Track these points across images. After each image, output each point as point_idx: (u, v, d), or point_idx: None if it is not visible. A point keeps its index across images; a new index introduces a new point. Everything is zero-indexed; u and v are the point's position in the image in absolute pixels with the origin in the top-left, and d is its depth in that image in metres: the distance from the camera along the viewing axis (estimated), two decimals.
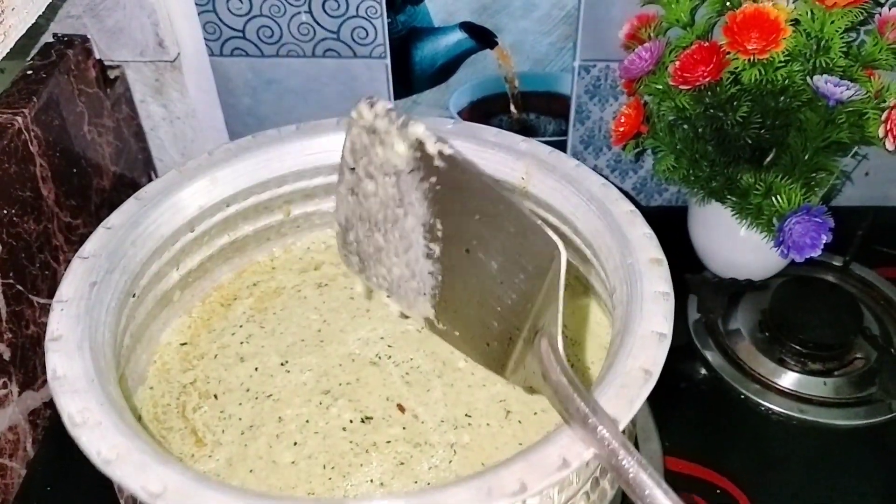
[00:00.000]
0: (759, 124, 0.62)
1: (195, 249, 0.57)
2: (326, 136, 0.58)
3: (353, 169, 0.48)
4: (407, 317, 0.51)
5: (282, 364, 0.55)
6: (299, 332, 0.57)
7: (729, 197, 0.64)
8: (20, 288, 0.60)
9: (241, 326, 0.58)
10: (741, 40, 0.59)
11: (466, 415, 0.52)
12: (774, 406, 0.64)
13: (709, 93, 0.61)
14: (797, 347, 0.67)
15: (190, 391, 0.54)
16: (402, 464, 0.49)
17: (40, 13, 0.59)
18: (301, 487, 0.48)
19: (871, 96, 0.59)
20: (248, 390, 0.53)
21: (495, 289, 0.43)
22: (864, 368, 0.66)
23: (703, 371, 0.68)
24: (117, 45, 0.73)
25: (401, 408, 0.52)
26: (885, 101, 0.59)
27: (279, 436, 0.50)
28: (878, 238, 0.76)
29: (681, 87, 0.61)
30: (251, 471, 0.49)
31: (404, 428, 0.51)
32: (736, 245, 0.69)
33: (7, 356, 0.58)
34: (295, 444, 0.50)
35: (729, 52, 0.60)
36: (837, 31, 0.59)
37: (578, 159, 0.57)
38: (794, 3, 0.60)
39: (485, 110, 0.78)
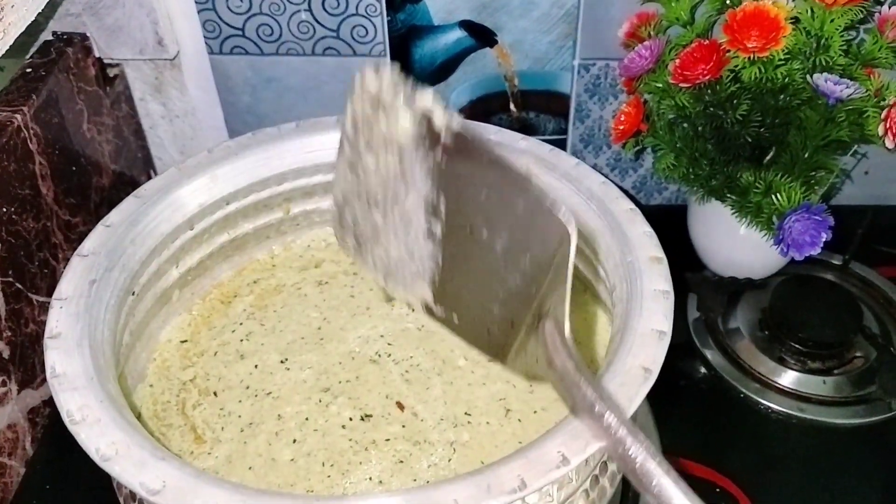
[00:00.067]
0: (758, 122, 0.62)
1: (195, 247, 0.57)
2: (326, 134, 0.58)
3: (352, 142, 0.45)
4: (411, 309, 0.48)
5: (281, 362, 0.55)
6: (299, 329, 0.57)
7: (729, 195, 0.64)
8: (19, 286, 0.60)
9: (241, 324, 0.58)
10: (741, 38, 0.59)
11: (466, 413, 0.52)
12: (774, 405, 0.65)
13: (709, 91, 0.61)
14: (797, 346, 0.67)
15: (190, 388, 0.54)
16: (402, 462, 0.49)
17: (40, 10, 0.59)
18: (300, 485, 0.48)
19: (871, 95, 0.59)
20: (247, 388, 0.53)
21: (499, 271, 0.42)
22: (863, 367, 0.66)
23: (703, 369, 0.68)
24: (117, 43, 0.73)
25: (400, 406, 0.52)
26: (884, 100, 0.59)
27: (279, 433, 0.50)
28: (877, 237, 0.76)
29: (681, 85, 0.61)
30: (250, 468, 0.49)
31: (403, 426, 0.51)
32: (736, 243, 0.69)
33: (6, 354, 0.58)
34: (294, 441, 0.50)
35: (729, 51, 0.60)
36: (837, 30, 0.59)
37: (578, 158, 0.56)
38: (793, 1, 0.60)
39: (484, 109, 0.78)
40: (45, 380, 0.62)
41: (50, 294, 0.62)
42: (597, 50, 0.74)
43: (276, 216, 0.61)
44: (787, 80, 0.60)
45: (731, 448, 0.63)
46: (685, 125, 0.65)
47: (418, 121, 0.41)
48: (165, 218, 0.54)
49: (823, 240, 0.58)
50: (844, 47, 0.60)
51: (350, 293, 0.60)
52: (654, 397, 0.43)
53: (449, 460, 0.49)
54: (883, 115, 0.58)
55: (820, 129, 0.60)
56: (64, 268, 0.49)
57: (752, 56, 0.59)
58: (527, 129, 0.79)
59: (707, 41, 0.62)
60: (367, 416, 0.51)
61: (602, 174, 0.55)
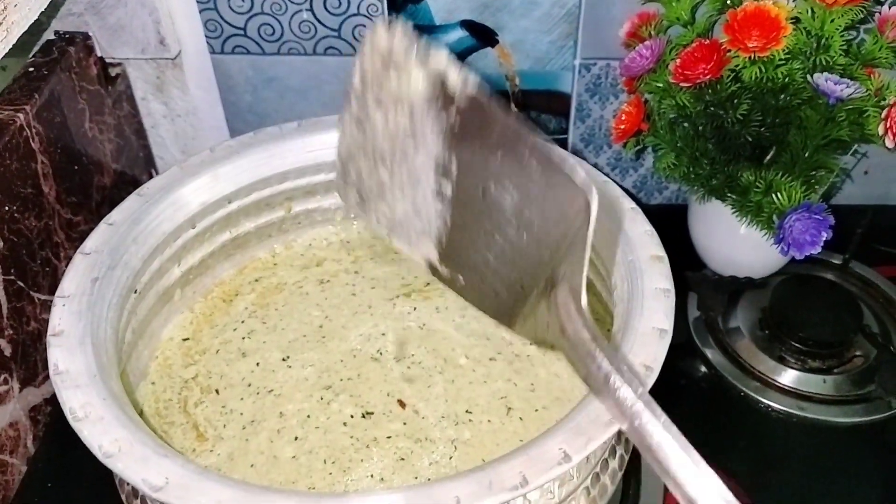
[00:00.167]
0: (759, 122, 0.62)
1: (197, 246, 0.57)
2: (328, 133, 0.58)
3: (360, 98, 0.43)
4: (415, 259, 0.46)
5: (283, 359, 0.55)
6: (301, 327, 0.57)
7: (729, 195, 0.64)
8: (21, 284, 0.60)
9: (242, 322, 0.58)
10: (742, 38, 0.59)
11: (467, 411, 0.52)
12: (774, 403, 0.65)
13: (709, 90, 0.61)
14: (797, 345, 0.67)
15: (191, 386, 0.54)
16: (403, 459, 0.49)
17: (42, 10, 0.59)
18: (302, 482, 0.48)
19: (871, 94, 0.60)
20: (249, 385, 0.54)
21: (510, 234, 0.40)
22: (863, 366, 0.66)
23: (703, 368, 0.68)
24: (119, 42, 0.73)
25: (401, 403, 0.52)
26: (884, 100, 0.59)
27: (280, 431, 0.51)
28: (877, 237, 0.76)
29: (681, 84, 0.61)
30: (252, 465, 0.49)
31: (405, 423, 0.51)
32: (736, 243, 0.69)
33: (8, 352, 0.58)
34: (296, 438, 0.50)
35: (729, 50, 0.60)
36: (837, 30, 0.60)
37: (579, 157, 0.57)
38: (794, 1, 0.60)
39: None
40: (46, 378, 0.62)
41: (51, 292, 0.62)
42: (598, 50, 0.74)
43: (278, 215, 0.62)
44: (787, 79, 0.61)
45: (731, 446, 0.63)
46: (686, 125, 0.65)
47: (432, 81, 0.39)
48: (168, 216, 0.54)
49: (824, 239, 0.58)
50: (845, 47, 0.60)
51: (351, 291, 0.60)
52: (654, 396, 0.43)
53: (450, 458, 0.49)
54: (883, 115, 0.58)
55: (820, 129, 0.60)
56: (65, 266, 0.49)
57: (752, 56, 0.59)
58: None
59: (708, 41, 0.62)
60: (368, 413, 0.52)
61: (603, 173, 0.55)
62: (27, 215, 0.60)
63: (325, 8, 0.72)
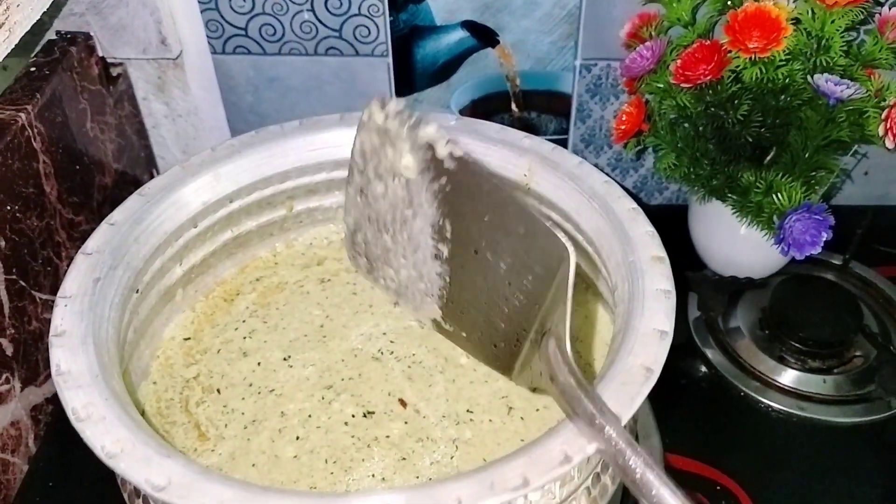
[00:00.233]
0: (759, 123, 0.62)
1: (198, 245, 0.57)
2: (329, 132, 0.59)
3: (362, 171, 0.47)
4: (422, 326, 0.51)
5: (284, 359, 0.55)
6: (302, 327, 0.58)
7: (729, 195, 0.65)
8: (23, 284, 0.60)
9: (243, 321, 0.58)
10: (742, 39, 0.59)
11: (468, 410, 0.52)
12: (774, 403, 0.65)
13: (710, 91, 0.62)
14: (797, 345, 0.67)
15: (193, 386, 0.54)
16: (404, 459, 0.49)
17: (44, 10, 0.59)
18: (303, 482, 0.48)
19: (871, 95, 0.60)
20: (250, 385, 0.54)
21: (503, 290, 0.43)
22: (863, 366, 0.67)
23: (704, 369, 0.68)
24: (120, 42, 0.73)
25: (402, 403, 0.52)
26: (884, 100, 0.59)
27: (281, 430, 0.51)
28: (877, 237, 0.76)
29: (682, 85, 0.61)
30: (254, 465, 0.49)
31: (406, 423, 0.51)
32: (736, 243, 0.69)
33: (10, 352, 0.59)
34: (297, 438, 0.50)
35: (730, 51, 0.60)
36: (838, 31, 0.60)
37: (580, 157, 0.57)
38: (794, 2, 0.61)
39: (486, 109, 0.79)
40: (48, 377, 0.63)
41: (53, 292, 0.62)
42: (598, 50, 0.74)
43: (280, 214, 0.62)
44: (787, 80, 0.61)
45: (731, 446, 0.63)
46: (686, 125, 0.65)
47: (422, 150, 0.43)
48: (169, 216, 0.54)
49: (824, 239, 0.58)
50: (845, 48, 0.60)
51: (352, 290, 0.60)
52: (655, 396, 0.43)
53: (451, 457, 0.49)
54: (883, 116, 0.58)
55: (820, 130, 0.60)
56: (67, 266, 0.49)
57: (753, 56, 0.60)
58: (528, 129, 0.79)
59: (708, 42, 0.62)
60: (369, 413, 0.52)
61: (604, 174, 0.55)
62: (29, 215, 0.61)
63: (326, 8, 0.72)
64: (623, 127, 0.67)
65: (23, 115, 0.60)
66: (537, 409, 0.52)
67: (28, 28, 0.56)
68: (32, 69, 0.66)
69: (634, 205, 0.53)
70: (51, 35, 0.71)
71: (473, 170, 0.42)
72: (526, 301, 0.42)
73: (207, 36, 0.74)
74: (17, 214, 0.59)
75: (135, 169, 0.79)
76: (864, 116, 0.59)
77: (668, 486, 0.36)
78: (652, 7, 0.68)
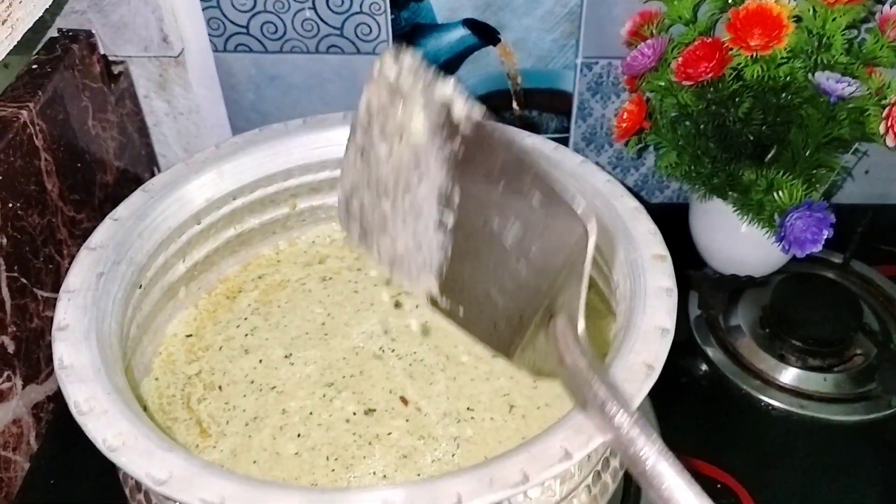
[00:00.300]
0: (760, 120, 0.62)
1: (201, 242, 0.58)
2: (333, 131, 0.59)
3: (366, 130, 0.44)
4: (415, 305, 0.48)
5: (286, 356, 0.55)
6: (303, 325, 0.58)
7: (730, 193, 0.65)
8: (24, 281, 0.60)
9: (245, 319, 0.58)
10: (744, 36, 0.59)
11: (469, 408, 0.52)
12: (775, 402, 0.65)
13: (711, 89, 0.62)
14: (797, 343, 0.67)
15: (195, 382, 0.54)
16: (405, 457, 0.49)
17: (47, 7, 0.59)
18: (304, 479, 0.48)
19: (872, 93, 0.60)
20: (252, 382, 0.54)
21: (510, 264, 0.40)
22: (863, 364, 0.67)
23: (704, 367, 0.68)
24: (122, 40, 0.73)
25: (404, 400, 0.52)
26: (885, 98, 0.59)
27: (283, 427, 0.51)
28: (877, 236, 0.76)
29: (683, 83, 0.61)
30: (255, 462, 0.49)
31: (407, 420, 0.51)
32: (737, 241, 0.70)
33: (11, 349, 0.59)
34: (298, 435, 0.50)
35: (731, 49, 0.60)
36: (839, 29, 0.60)
37: (581, 156, 0.57)
38: (795, 0, 0.61)
39: (487, 107, 0.77)
40: (49, 375, 0.63)
41: (54, 290, 0.62)
42: (599, 48, 0.74)
43: (282, 212, 0.62)
44: (788, 78, 0.61)
45: (732, 444, 0.63)
46: (687, 123, 0.65)
47: (437, 110, 0.40)
48: (173, 212, 0.54)
49: (825, 237, 0.58)
50: (846, 46, 0.61)
51: (354, 289, 0.60)
52: (655, 394, 0.43)
53: (453, 455, 0.49)
54: (884, 114, 0.58)
55: (821, 127, 0.60)
56: (69, 264, 0.49)
57: (754, 54, 0.60)
58: (529, 127, 0.79)
59: (710, 39, 0.62)
60: (370, 410, 0.52)
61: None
62: (31, 212, 0.61)
63: (328, 6, 0.72)
64: (624, 125, 0.67)
65: (25, 113, 0.60)
66: (538, 407, 0.52)
67: (30, 25, 0.56)
68: (34, 66, 0.66)
69: (637, 203, 0.53)
70: (52, 33, 0.71)
71: (492, 135, 0.39)
72: (534, 277, 0.40)
73: (209, 34, 0.74)
74: (19, 212, 0.59)
75: (136, 167, 0.80)
76: (864, 114, 0.59)
77: (682, 478, 0.34)
78: (653, 5, 0.68)
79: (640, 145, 0.69)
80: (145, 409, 0.52)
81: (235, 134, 0.71)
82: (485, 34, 0.74)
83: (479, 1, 0.72)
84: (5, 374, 0.58)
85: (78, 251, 0.49)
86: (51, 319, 0.46)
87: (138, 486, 0.45)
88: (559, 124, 0.80)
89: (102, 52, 0.73)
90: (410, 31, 0.74)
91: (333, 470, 0.49)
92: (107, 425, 0.40)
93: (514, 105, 0.79)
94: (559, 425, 0.40)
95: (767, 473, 0.61)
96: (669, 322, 0.46)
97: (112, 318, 0.47)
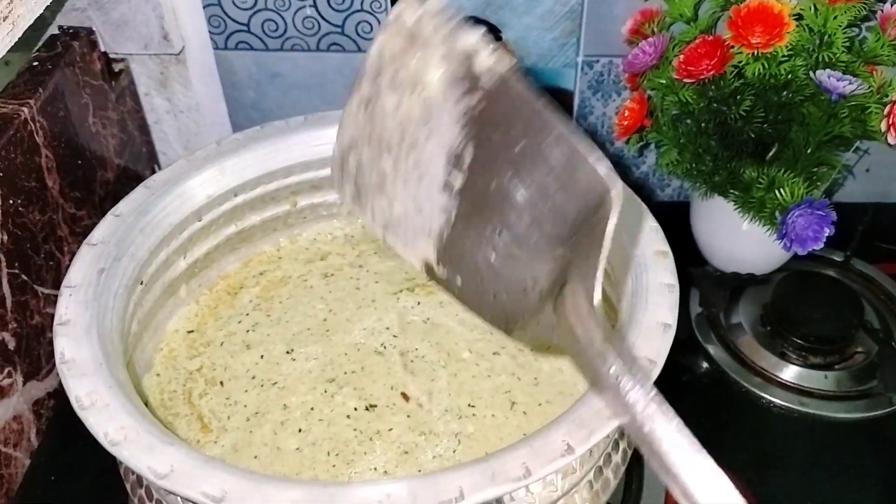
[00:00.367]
0: (762, 118, 0.62)
1: (202, 238, 0.58)
2: (334, 128, 0.57)
3: (374, 79, 0.40)
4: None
5: (287, 352, 0.55)
6: (305, 321, 0.58)
7: (732, 191, 0.65)
8: (25, 278, 0.60)
9: (247, 315, 0.58)
10: (745, 34, 0.59)
11: (470, 405, 0.52)
12: (776, 399, 0.65)
13: (712, 87, 0.62)
14: (798, 341, 0.67)
15: (196, 378, 0.54)
16: (407, 453, 0.49)
17: (47, 4, 0.59)
18: (305, 474, 0.48)
19: (873, 91, 0.60)
20: (253, 377, 0.54)
21: (520, 230, 0.38)
22: (864, 362, 0.67)
23: (705, 364, 0.68)
24: (122, 37, 0.73)
25: (405, 396, 0.52)
26: (886, 96, 0.59)
27: (284, 423, 0.51)
28: (878, 234, 0.76)
29: (684, 80, 0.61)
30: (256, 457, 0.49)
31: (408, 416, 0.51)
32: (738, 239, 0.70)
33: (12, 346, 0.59)
34: (300, 430, 0.50)
35: (733, 47, 0.60)
36: (840, 27, 0.60)
37: None
38: None
39: None
40: (50, 371, 0.63)
41: (55, 286, 0.62)
42: (600, 47, 0.74)
43: (283, 209, 0.62)
44: (790, 76, 0.61)
45: (732, 442, 0.63)
46: (689, 121, 0.65)
47: (458, 61, 0.37)
48: (174, 209, 0.54)
49: (826, 234, 0.58)
50: (847, 44, 0.61)
51: (356, 285, 0.60)
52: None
53: (454, 451, 0.49)
54: (885, 112, 0.58)
55: (822, 125, 0.60)
56: (69, 261, 0.49)
57: (755, 52, 0.60)
58: None
59: (711, 37, 0.62)
60: (371, 406, 0.52)
61: None
62: (31, 209, 0.61)
63: (329, 4, 0.72)
64: (625, 123, 0.67)
65: (25, 110, 0.60)
66: (539, 404, 0.52)
67: (32, 21, 0.56)
68: (35, 64, 0.66)
69: (639, 200, 0.53)
70: (53, 30, 0.71)
71: (516, 89, 0.36)
72: (546, 246, 0.37)
73: (209, 31, 0.74)
74: (20, 209, 0.59)
75: (136, 164, 0.80)
76: (865, 112, 0.60)
77: (703, 458, 0.32)
78: (654, 3, 0.68)
79: (641, 143, 0.69)
80: (147, 404, 0.52)
81: (236, 132, 0.71)
82: None
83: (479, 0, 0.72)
84: (6, 370, 0.58)
85: (79, 248, 0.49)
86: (51, 316, 0.46)
87: (139, 481, 0.45)
88: None
89: (103, 49, 0.73)
90: None
91: (334, 465, 0.49)
92: (108, 419, 0.40)
93: None
94: (561, 420, 0.40)
95: (768, 471, 0.61)
96: (671, 318, 0.46)
97: (113, 313, 0.47)
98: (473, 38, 0.36)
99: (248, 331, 0.57)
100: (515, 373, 0.54)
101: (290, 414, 0.51)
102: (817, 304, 0.69)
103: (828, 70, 0.59)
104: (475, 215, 0.40)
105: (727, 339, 0.69)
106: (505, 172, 0.37)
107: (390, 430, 0.50)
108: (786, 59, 0.60)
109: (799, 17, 0.60)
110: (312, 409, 0.52)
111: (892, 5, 0.62)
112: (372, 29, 0.73)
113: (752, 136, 0.63)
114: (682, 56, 0.62)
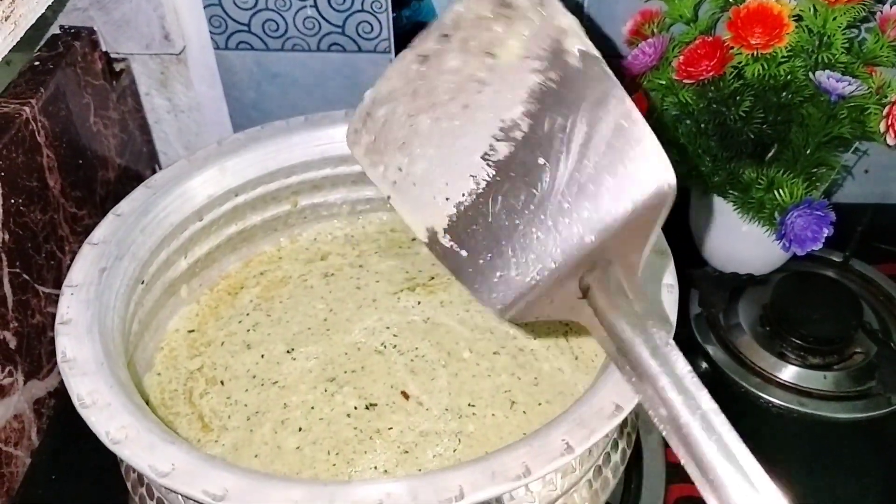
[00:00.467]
0: (761, 119, 0.62)
1: (203, 238, 0.58)
2: (334, 128, 0.59)
3: (446, 36, 0.40)
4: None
5: (288, 352, 0.55)
6: (305, 320, 0.58)
7: (731, 192, 0.65)
8: (26, 277, 0.60)
9: (247, 314, 0.58)
10: (745, 35, 0.60)
11: (470, 404, 0.52)
12: (775, 399, 0.65)
13: (712, 87, 0.62)
14: (797, 341, 0.67)
15: (197, 377, 0.54)
16: (407, 452, 0.49)
17: (49, 4, 0.59)
18: (305, 473, 0.48)
19: (873, 92, 0.60)
20: (254, 377, 0.54)
21: (552, 210, 0.37)
22: (863, 362, 0.67)
23: (704, 365, 0.68)
24: (123, 37, 0.73)
25: (405, 395, 0.52)
26: (885, 97, 0.59)
27: (284, 422, 0.51)
28: (877, 235, 0.77)
29: (684, 81, 0.62)
30: (256, 456, 0.49)
31: (409, 415, 0.51)
32: (738, 240, 0.70)
33: (13, 345, 0.59)
34: (300, 430, 0.50)
35: (732, 47, 0.60)
36: (839, 28, 0.60)
37: None
38: None
39: None
40: (51, 370, 0.63)
41: (56, 286, 0.62)
42: (600, 47, 0.74)
43: (284, 209, 0.62)
44: (789, 77, 0.61)
45: None
46: (688, 122, 0.65)
47: (547, 38, 0.37)
48: (175, 208, 0.54)
49: (825, 234, 0.59)
50: (846, 45, 0.61)
51: (356, 285, 0.60)
52: None
53: (454, 451, 0.50)
54: (884, 113, 0.58)
55: (822, 126, 0.61)
56: (70, 260, 0.49)
57: (755, 53, 0.60)
58: None
59: (710, 38, 0.62)
60: (372, 405, 0.52)
61: None
62: (32, 209, 0.61)
63: (330, 4, 0.72)
64: None
65: (27, 109, 0.60)
66: (539, 404, 0.52)
67: (33, 21, 0.56)
68: (36, 63, 0.66)
69: None
70: (54, 30, 0.71)
71: (597, 73, 0.36)
72: (579, 230, 0.37)
73: (210, 31, 0.74)
74: (21, 208, 0.59)
75: (137, 164, 0.80)
76: (865, 113, 0.60)
77: (740, 450, 0.33)
78: (654, 4, 0.68)
79: None
80: (147, 403, 0.52)
81: (236, 132, 0.72)
82: None
83: None
84: (7, 369, 0.58)
85: (80, 247, 0.50)
86: (52, 315, 0.46)
87: (140, 479, 0.45)
88: None
89: (104, 49, 0.73)
90: (412, 30, 0.74)
91: (335, 464, 0.49)
92: (109, 418, 0.40)
93: None
94: (561, 419, 0.40)
95: (767, 470, 0.60)
96: (671, 317, 0.46)
97: (114, 312, 0.47)
98: (569, 21, 0.37)
99: (248, 330, 0.57)
100: (515, 373, 0.54)
101: (291, 413, 0.51)
102: (816, 304, 0.69)
103: (827, 71, 0.59)
104: (509, 188, 0.39)
105: (726, 339, 0.69)
106: (559, 152, 0.37)
107: (390, 429, 0.51)
108: (785, 59, 0.61)
109: (798, 18, 0.61)
110: (313, 408, 0.52)
111: (891, 6, 0.62)
112: (372, 29, 0.74)
113: (752, 136, 0.63)
114: (681, 57, 0.62)
